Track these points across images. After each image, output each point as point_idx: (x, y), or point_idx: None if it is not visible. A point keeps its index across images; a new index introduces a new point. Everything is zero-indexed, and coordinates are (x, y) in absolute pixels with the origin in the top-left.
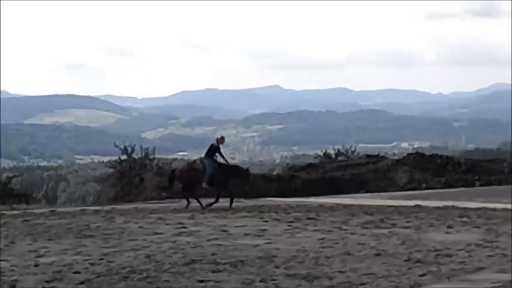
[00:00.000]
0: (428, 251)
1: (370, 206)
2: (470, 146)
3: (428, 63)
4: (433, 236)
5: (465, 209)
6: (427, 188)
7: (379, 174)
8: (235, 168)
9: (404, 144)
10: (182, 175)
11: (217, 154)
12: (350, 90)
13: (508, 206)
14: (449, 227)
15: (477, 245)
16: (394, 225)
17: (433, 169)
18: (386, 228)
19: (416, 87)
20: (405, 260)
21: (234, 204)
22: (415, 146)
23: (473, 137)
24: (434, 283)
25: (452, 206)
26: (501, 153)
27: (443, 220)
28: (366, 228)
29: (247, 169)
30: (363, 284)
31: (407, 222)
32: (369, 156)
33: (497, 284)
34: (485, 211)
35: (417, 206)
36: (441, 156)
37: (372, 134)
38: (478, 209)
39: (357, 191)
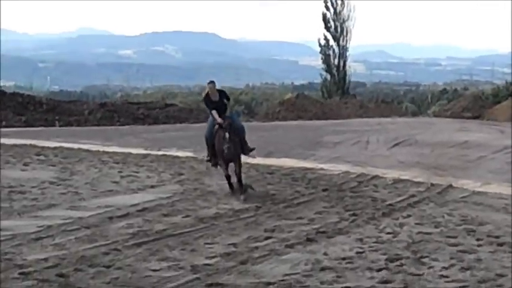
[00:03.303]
0: (2, 188)
1: None
2: (56, 88)
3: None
4: (8, 173)
5: (43, 147)
6: (7, 126)
7: None
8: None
9: None
10: None
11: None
12: None
13: (84, 147)
14: (25, 164)
15: (51, 183)
16: None
17: (14, 107)
18: None
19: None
20: None
21: None
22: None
23: (59, 78)
24: (5, 219)
25: (30, 145)
26: (84, 96)
27: (20, 158)
28: None
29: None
30: None
31: None
32: None
33: (68, 221)
34: (62, 150)
35: None
36: (22, 94)
37: None
38: (55, 148)
39: None
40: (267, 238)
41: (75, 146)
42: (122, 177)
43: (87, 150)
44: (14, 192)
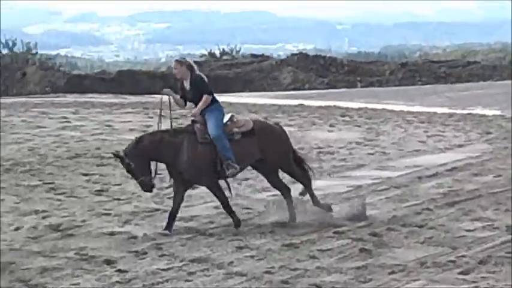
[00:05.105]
0: (311, 148)
1: (254, 105)
2: (353, 49)
3: None
4: (315, 134)
5: (347, 108)
6: (310, 88)
7: (263, 73)
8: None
9: (289, 46)
10: None
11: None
12: None
13: (388, 107)
14: (331, 125)
15: (358, 143)
16: (277, 123)
17: (317, 70)
18: None
19: None
20: None
21: (117, 100)
22: (300, 48)
23: (356, 40)
24: (316, 179)
25: (335, 106)
26: (383, 56)
27: (326, 119)
28: None
29: None
30: (246, 179)
31: (291, 120)
32: (253, 55)
33: (377, 181)
34: (366, 111)
35: (300, 105)
36: (324, 57)
37: (256, 34)
38: (359, 109)
39: (242, 90)
40: None
41: (379, 106)
42: (428, 136)
43: (391, 111)
44: (323, 153)
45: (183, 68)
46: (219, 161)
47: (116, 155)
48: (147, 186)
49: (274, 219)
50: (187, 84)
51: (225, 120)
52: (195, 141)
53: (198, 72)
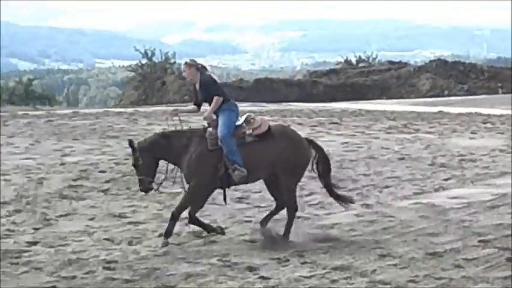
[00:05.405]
0: (452, 156)
1: (392, 112)
2: (492, 55)
3: None
4: (456, 142)
5: (488, 115)
6: (449, 95)
7: (401, 80)
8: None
9: (426, 52)
10: None
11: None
12: None
13: None
14: (472, 132)
15: (501, 151)
16: (417, 130)
17: (456, 76)
18: (409, 133)
19: None
20: (429, 165)
21: (256, 108)
22: (437, 54)
23: (495, 45)
24: (458, 187)
25: (476, 113)
26: None
27: (467, 126)
28: (389, 133)
29: None
30: (387, 186)
31: (431, 127)
32: (391, 62)
33: None
34: (509, 118)
35: (440, 112)
36: (464, 63)
37: (392, 41)
38: (501, 115)
39: (379, 97)
40: None
41: None
42: None
43: None
44: (465, 160)
45: (191, 70)
46: (223, 166)
47: (131, 144)
48: (145, 187)
49: (418, 227)
50: (198, 86)
51: (240, 121)
52: (205, 149)
53: (208, 73)
